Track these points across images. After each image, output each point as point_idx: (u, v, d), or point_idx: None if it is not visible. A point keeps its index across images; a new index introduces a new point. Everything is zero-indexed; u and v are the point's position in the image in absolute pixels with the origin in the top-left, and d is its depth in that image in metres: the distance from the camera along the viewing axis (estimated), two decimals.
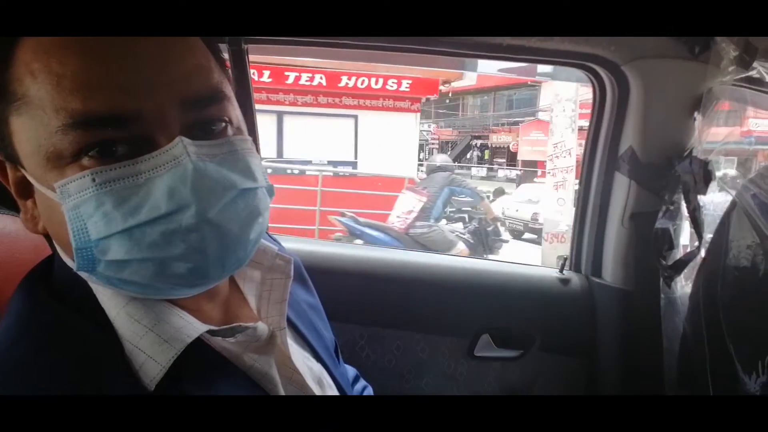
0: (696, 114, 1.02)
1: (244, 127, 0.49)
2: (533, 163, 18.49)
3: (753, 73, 0.89)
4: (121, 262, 0.41)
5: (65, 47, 0.40)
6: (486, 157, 24.95)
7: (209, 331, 0.46)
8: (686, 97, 1.01)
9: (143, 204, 0.40)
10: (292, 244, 1.22)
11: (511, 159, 22.46)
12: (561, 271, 1.23)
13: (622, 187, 1.11)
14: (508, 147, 22.26)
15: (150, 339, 0.43)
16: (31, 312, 0.44)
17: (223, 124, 0.46)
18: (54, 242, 0.46)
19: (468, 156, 23.87)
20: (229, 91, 0.47)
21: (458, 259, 1.26)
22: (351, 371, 0.83)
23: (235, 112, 0.48)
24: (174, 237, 0.40)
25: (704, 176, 0.99)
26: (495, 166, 23.02)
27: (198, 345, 0.45)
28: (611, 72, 1.07)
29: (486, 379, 1.19)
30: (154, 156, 0.40)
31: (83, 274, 0.44)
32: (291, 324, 0.61)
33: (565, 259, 1.23)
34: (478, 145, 23.71)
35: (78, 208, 0.40)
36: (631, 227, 1.10)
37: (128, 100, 0.40)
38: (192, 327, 0.45)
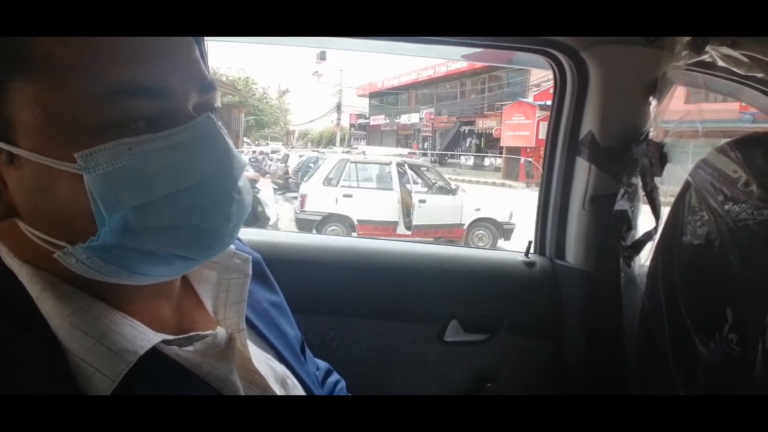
0: (652, 98, 1.05)
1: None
2: (517, 150, 17.72)
3: (705, 58, 0.92)
4: (153, 230, 0.41)
5: None
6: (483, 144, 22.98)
7: (164, 341, 0.44)
8: (642, 81, 1.04)
9: (182, 172, 0.41)
10: (255, 237, 1.20)
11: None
12: (526, 254, 1.25)
13: (582, 171, 1.14)
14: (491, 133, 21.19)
15: (98, 351, 0.40)
16: None
17: (215, 111, 0.48)
18: (29, 224, 0.42)
19: (468, 144, 22.25)
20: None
21: (426, 246, 1.27)
22: (322, 365, 0.82)
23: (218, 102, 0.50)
24: (204, 204, 0.42)
25: (660, 158, 1.03)
26: (480, 154, 21.81)
27: (152, 355, 0.42)
28: (570, 57, 1.09)
29: (456, 364, 1.21)
30: (188, 128, 0.42)
31: (28, 281, 0.42)
32: (251, 325, 0.59)
33: (530, 243, 1.26)
34: (466, 131, 22.63)
35: (108, 176, 0.39)
36: (592, 210, 1.13)
37: (165, 75, 0.42)
38: (145, 337, 0.43)
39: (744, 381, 0.79)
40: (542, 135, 16.38)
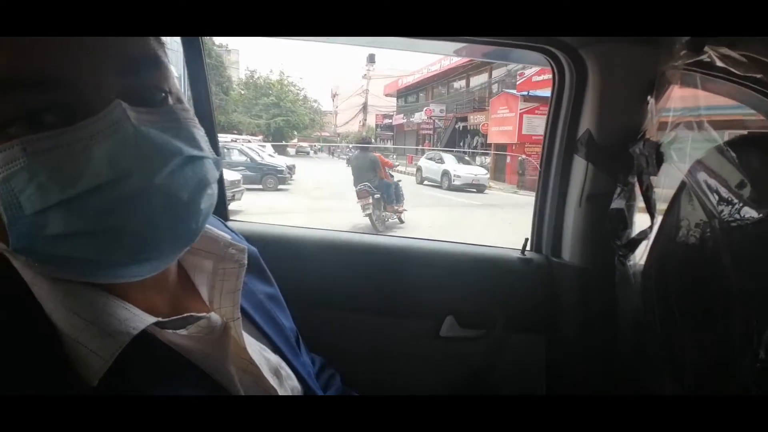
0: (649, 97, 1.05)
1: (185, 99, 0.47)
2: (503, 147, 16.09)
3: (704, 57, 0.92)
4: (62, 237, 0.38)
5: None
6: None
7: (158, 324, 0.44)
8: (640, 80, 1.04)
9: (82, 172, 0.37)
10: (251, 228, 1.21)
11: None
12: (522, 251, 1.26)
13: (580, 169, 1.14)
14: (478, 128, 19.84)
15: (91, 332, 0.41)
16: None
17: (163, 94, 0.44)
18: None
19: (474, 143, 20.23)
20: (165, 58, 0.45)
21: (423, 242, 1.27)
22: (317, 360, 0.83)
23: (174, 83, 0.46)
24: (118, 205, 0.38)
25: (656, 158, 1.02)
26: (469, 151, 20.14)
27: (146, 338, 0.43)
28: (569, 55, 1.09)
29: (452, 359, 1.22)
30: (92, 122, 0.38)
31: (20, 265, 0.42)
32: (246, 315, 0.60)
33: (527, 240, 1.27)
34: (461, 128, 21.33)
35: (8, 181, 0.37)
36: (588, 208, 1.13)
37: (58, 62, 0.37)
38: (138, 319, 0.43)
39: (732, 380, 0.80)
40: (525, 129, 14.66)
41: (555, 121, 1.19)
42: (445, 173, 13.05)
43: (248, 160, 10.64)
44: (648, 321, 1.02)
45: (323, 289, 1.17)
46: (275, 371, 0.58)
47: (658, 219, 1.03)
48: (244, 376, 0.52)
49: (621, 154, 1.06)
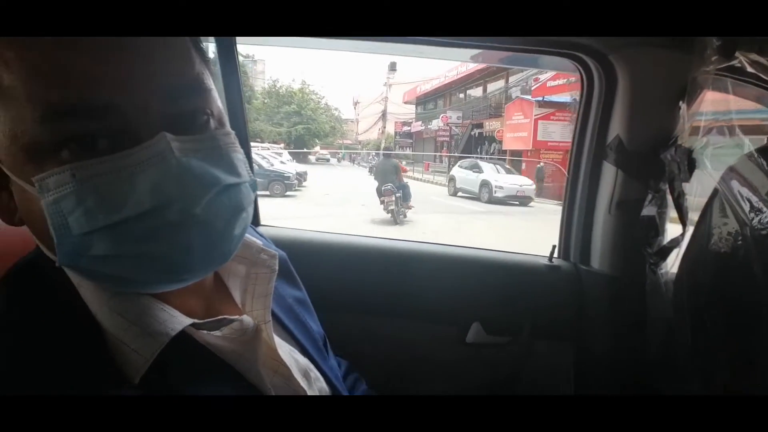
0: (681, 103, 1.03)
1: (226, 120, 0.49)
2: (519, 154, 15.62)
3: (735, 63, 0.91)
4: (105, 258, 0.40)
5: (42, 38, 0.38)
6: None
7: (194, 325, 0.46)
8: (671, 86, 1.03)
9: (126, 200, 0.39)
10: (280, 233, 1.23)
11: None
12: (550, 259, 1.25)
13: (609, 175, 1.13)
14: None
15: (134, 332, 0.43)
16: (14, 309, 0.44)
17: (206, 117, 0.45)
18: (33, 235, 0.45)
19: (491, 149, 19.57)
20: (210, 83, 0.47)
21: (449, 248, 1.27)
22: (343, 364, 0.84)
23: (216, 104, 0.47)
24: (158, 233, 0.39)
25: (688, 164, 1.01)
26: (481, 156, 19.54)
27: (183, 339, 0.45)
28: (598, 61, 1.08)
29: (478, 366, 1.22)
30: (136, 151, 0.39)
31: (67, 269, 0.44)
32: (276, 319, 0.61)
33: (554, 247, 1.26)
34: (476, 134, 20.96)
35: (58, 203, 0.39)
36: (618, 215, 1.12)
37: (107, 90, 0.39)
38: (176, 320, 0.45)
39: (764, 392, 0.78)
40: (540, 136, 14.36)
41: (583, 127, 1.18)
42: (485, 184, 11.79)
43: (256, 167, 10.79)
44: (679, 331, 1.00)
45: (349, 293, 1.18)
46: (304, 373, 0.59)
47: (691, 227, 1.02)
48: (274, 376, 0.53)
49: (652, 161, 1.04)
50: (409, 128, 28.85)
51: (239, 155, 0.47)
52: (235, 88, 1.11)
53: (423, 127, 26.08)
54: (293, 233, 1.29)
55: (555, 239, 1.27)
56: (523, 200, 11.13)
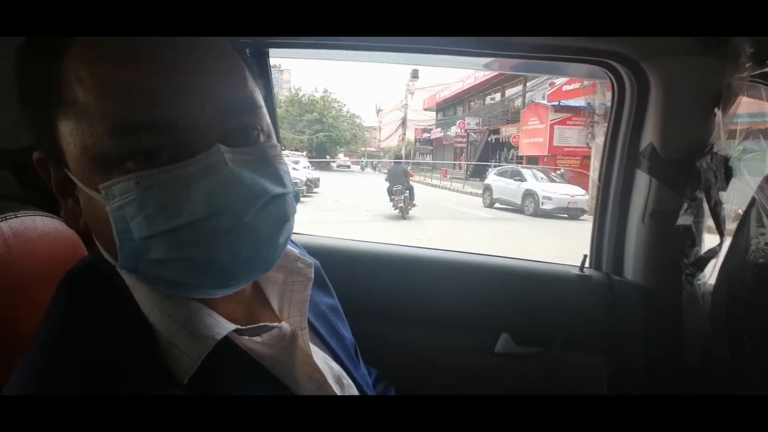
0: (716, 110, 1.01)
1: (273, 134, 0.51)
2: (535, 160, 15.42)
3: None
4: (161, 261, 0.43)
5: (113, 57, 0.42)
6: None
7: (237, 330, 0.49)
8: (706, 92, 1.01)
9: (182, 207, 0.41)
10: (312, 240, 1.24)
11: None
12: (581, 269, 1.23)
13: (642, 184, 1.11)
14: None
15: (183, 335, 0.45)
16: (73, 310, 0.46)
17: (256, 132, 0.48)
18: (95, 239, 0.48)
19: (509, 155, 19.14)
20: (260, 100, 0.49)
21: (477, 257, 1.27)
22: (372, 372, 0.84)
23: (266, 120, 0.49)
24: (211, 239, 0.42)
25: (725, 172, 0.99)
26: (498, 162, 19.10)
27: (226, 343, 0.47)
28: (630, 69, 1.07)
29: (506, 377, 1.20)
30: (193, 162, 0.42)
31: (123, 272, 0.47)
32: (311, 326, 0.62)
33: (585, 257, 1.24)
34: (493, 140, 20.68)
35: (122, 209, 0.42)
36: (652, 224, 1.10)
37: (170, 108, 0.42)
38: (221, 325, 0.47)
39: None
40: (557, 141, 14.11)
41: (615, 135, 1.16)
42: (530, 194, 10.46)
43: None
44: (716, 344, 0.97)
45: (377, 301, 1.18)
46: (337, 379, 0.60)
47: (729, 237, 0.99)
48: (309, 382, 0.54)
49: (687, 169, 1.02)
50: (429, 135, 28.85)
51: (284, 167, 0.49)
52: (269, 100, 1.13)
53: (442, 134, 26.01)
54: (318, 240, 1.30)
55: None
56: (574, 213, 9.82)
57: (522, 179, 11.07)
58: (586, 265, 1.24)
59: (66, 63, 0.42)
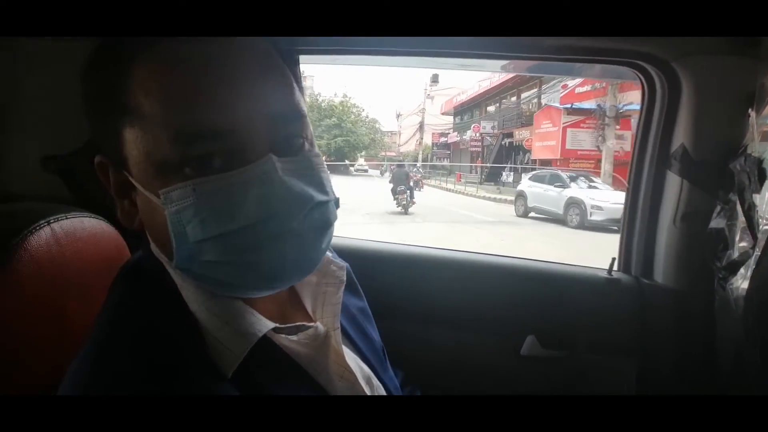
0: (750, 110, 1.00)
1: (314, 142, 0.53)
2: (548, 164, 15.09)
3: None
4: (215, 263, 0.45)
5: (178, 69, 0.44)
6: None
7: (275, 328, 0.51)
8: (739, 92, 0.99)
9: (236, 213, 0.44)
10: (339, 241, 1.25)
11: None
12: (609, 272, 1.21)
13: (673, 185, 1.10)
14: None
15: (227, 332, 0.47)
16: (129, 303, 0.49)
17: (302, 140, 0.50)
18: (150, 239, 0.51)
19: (525, 159, 18.73)
20: (305, 109, 0.52)
21: (504, 259, 1.26)
22: (399, 374, 0.85)
23: (309, 129, 0.52)
24: (260, 243, 0.45)
25: (759, 174, 0.97)
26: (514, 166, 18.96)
27: (265, 340, 0.49)
28: (661, 69, 1.06)
29: (532, 379, 1.19)
30: (248, 170, 0.44)
31: (171, 270, 0.49)
32: (342, 327, 0.63)
33: (614, 260, 1.22)
34: (507, 144, 20.47)
35: (179, 213, 0.44)
36: (684, 227, 1.08)
37: (228, 118, 0.44)
38: (262, 323, 0.50)
39: None
40: (570, 144, 14.10)
41: (645, 136, 1.15)
42: (574, 203, 9.22)
43: None
44: (748, 350, 0.95)
45: (403, 302, 1.18)
46: (368, 380, 0.61)
47: (762, 240, 0.97)
48: (340, 382, 0.56)
49: (720, 170, 1.01)
50: (446, 139, 28.83)
51: (326, 175, 0.52)
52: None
53: (459, 138, 25.92)
54: (344, 242, 1.31)
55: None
56: None
57: (564, 185, 9.92)
58: (615, 268, 1.22)
59: (133, 73, 0.45)
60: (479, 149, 22.68)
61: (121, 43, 0.47)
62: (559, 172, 11.10)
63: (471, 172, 22.32)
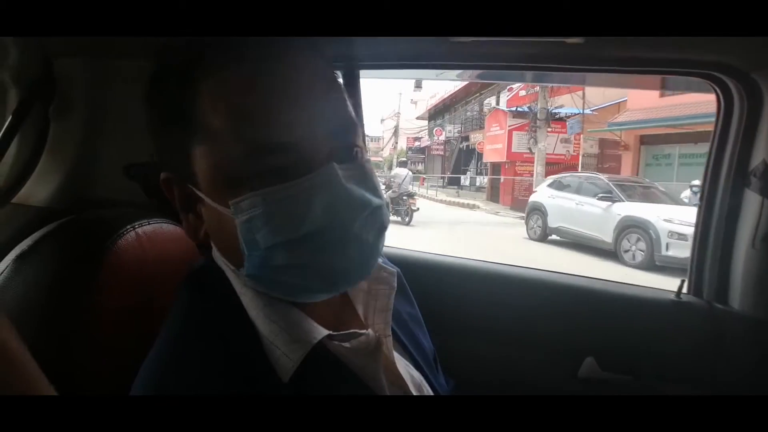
0: None
1: (366, 150, 0.56)
2: (497, 168, 15.54)
3: None
4: (282, 267, 0.48)
5: (244, 87, 0.48)
6: None
7: (329, 336, 0.52)
8: None
9: (303, 219, 0.46)
10: (394, 252, 1.28)
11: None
12: (678, 295, 1.14)
13: (752, 205, 1.02)
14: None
15: (284, 338, 0.50)
16: (191, 313, 0.52)
17: (357, 149, 0.53)
18: (216, 248, 0.55)
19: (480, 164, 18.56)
20: (360, 121, 0.55)
21: (566, 277, 1.22)
22: (450, 382, 0.84)
23: (363, 138, 0.55)
24: (325, 247, 0.47)
25: None
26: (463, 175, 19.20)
27: (320, 347, 0.51)
28: (739, 80, 0.99)
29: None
30: (312, 178, 0.47)
31: (231, 276, 0.53)
32: (393, 333, 0.64)
33: (683, 282, 1.14)
34: (465, 147, 20.30)
35: (249, 222, 0.47)
36: (764, 249, 1.00)
37: (294, 131, 0.47)
38: (317, 330, 0.51)
39: None
40: (515, 147, 14.11)
41: (720, 151, 1.08)
42: (636, 226, 6.15)
43: None
44: None
45: (456, 315, 1.17)
46: (418, 387, 0.61)
47: None
48: (391, 388, 0.56)
49: None
50: (419, 143, 28.62)
51: (378, 181, 0.54)
52: (360, 116, 1.19)
53: (429, 142, 25.78)
54: (404, 253, 1.33)
55: None
56: None
57: (611, 197, 6.88)
58: (684, 290, 1.15)
59: (202, 94, 0.49)
60: (442, 153, 22.91)
61: (185, 64, 0.50)
62: (605, 178, 7.60)
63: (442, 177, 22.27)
